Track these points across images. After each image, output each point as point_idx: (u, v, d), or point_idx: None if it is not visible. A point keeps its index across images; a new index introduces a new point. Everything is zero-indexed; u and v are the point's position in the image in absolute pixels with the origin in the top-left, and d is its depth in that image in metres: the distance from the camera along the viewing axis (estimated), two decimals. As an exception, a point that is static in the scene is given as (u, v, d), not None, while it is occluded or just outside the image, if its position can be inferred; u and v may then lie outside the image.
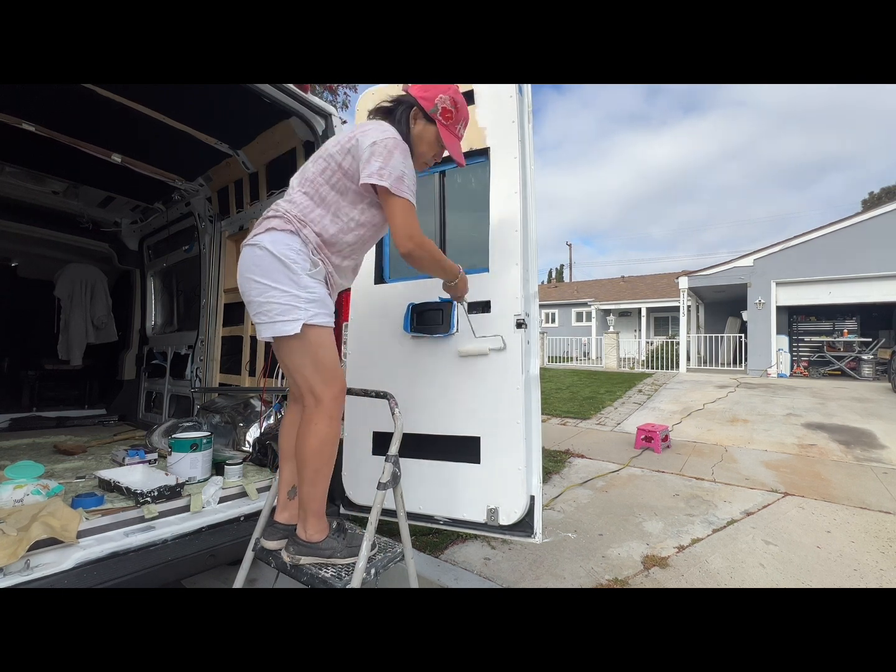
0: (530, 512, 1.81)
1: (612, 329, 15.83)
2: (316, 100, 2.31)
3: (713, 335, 13.90)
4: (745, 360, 12.55)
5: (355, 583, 1.25)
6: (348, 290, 2.23)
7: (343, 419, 2.17)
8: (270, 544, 1.51)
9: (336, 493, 2.16)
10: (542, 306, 22.60)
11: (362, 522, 1.57)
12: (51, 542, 1.36)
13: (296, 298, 1.31)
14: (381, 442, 2.08)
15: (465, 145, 2.02)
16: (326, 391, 1.35)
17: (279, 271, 1.31)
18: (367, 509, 1.36)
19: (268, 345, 2.90)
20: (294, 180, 1.48)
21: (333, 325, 1.43)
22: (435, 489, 1.96)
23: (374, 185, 1.36)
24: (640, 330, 18.06)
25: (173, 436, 2.13)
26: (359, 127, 1.43)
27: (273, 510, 1.61)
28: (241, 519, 1.82)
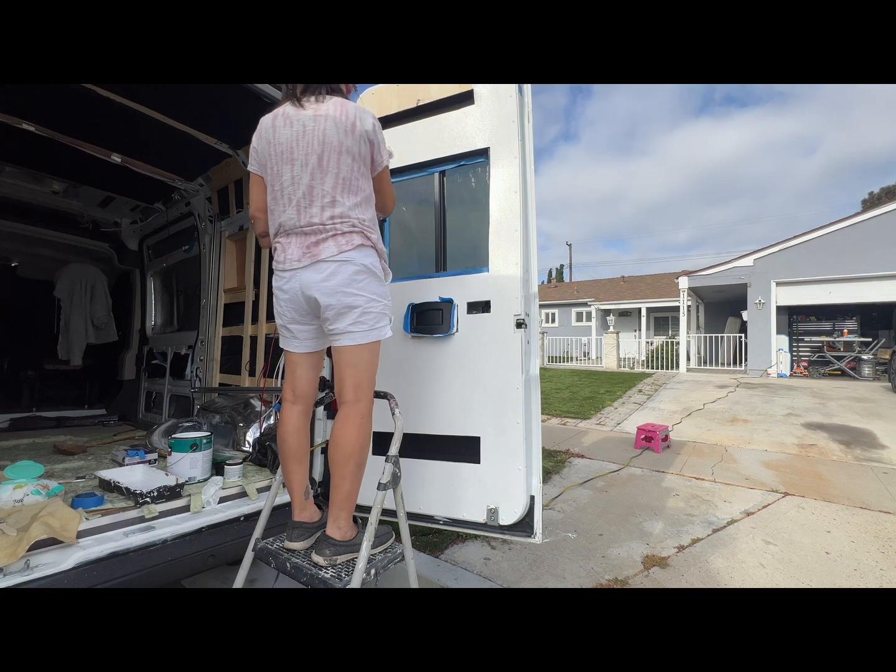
0: (530, 512, 1.81)
1: (612, 329, 15.82)
2: (316, 100, 2.30)
3: (713, 335, 13.88)
4: (745, 360, 12.55)
5: (355, 583, 1.25)
6: None
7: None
8: (298, 545, 1.48)
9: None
10: (542, 306, 22.59)
11: (362, 523, 1.57)
12: (51, 542, 1.36)
13: (385, 307, 1.50)
14: (380, 442, 2.07)
15: (465, 145, 2.02)
16: (371, 388, 1.50)
17: (374, 283, 1.46)
18: (367, 509, 1.35)
19: (268, 345, 2.90)
20: (325, 184, 1.40)
21: None
22: (435, 489, 1.96)
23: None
24: (640, 330, 18.04)
25: (173, 436, 2.12)
26: (341, 107, 1.41)
27: (272, 510, 1.61)
28: (241, 519, 1.82)
